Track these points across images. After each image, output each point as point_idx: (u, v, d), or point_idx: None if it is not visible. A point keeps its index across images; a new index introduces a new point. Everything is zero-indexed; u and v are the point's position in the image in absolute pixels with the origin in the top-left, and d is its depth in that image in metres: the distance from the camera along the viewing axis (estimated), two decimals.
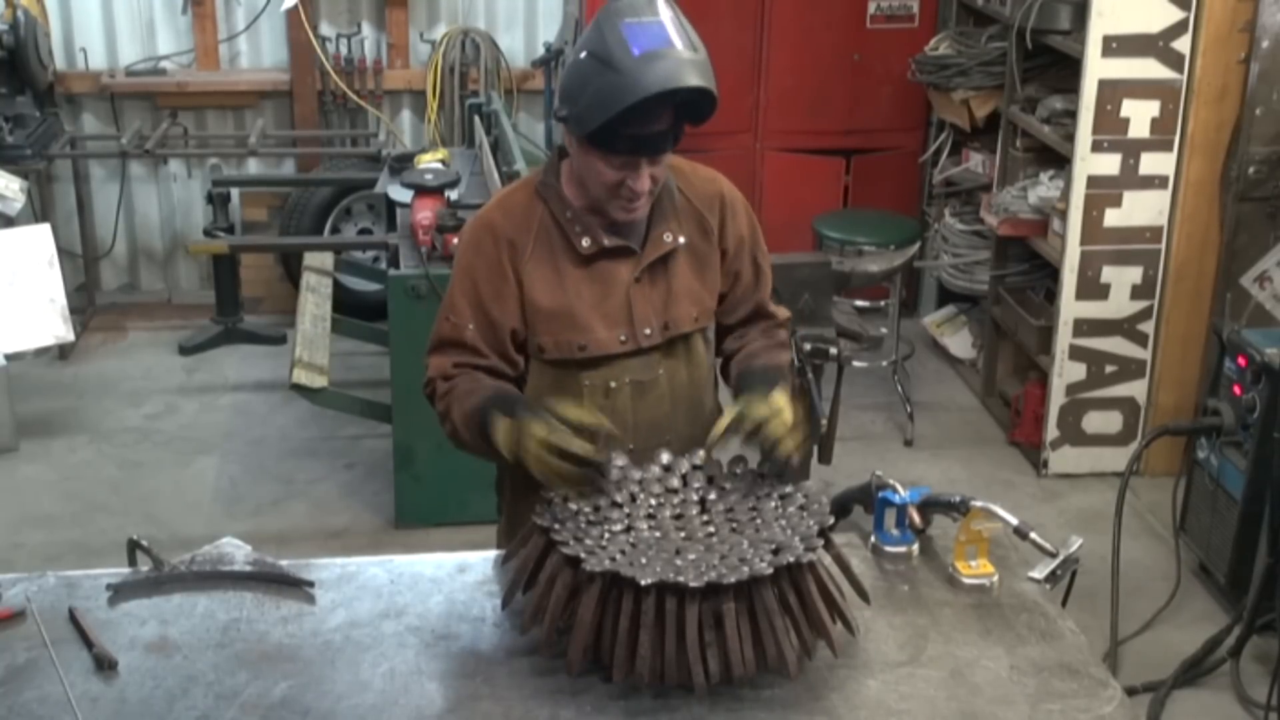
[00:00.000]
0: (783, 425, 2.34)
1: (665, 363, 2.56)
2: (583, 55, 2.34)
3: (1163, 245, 4.90)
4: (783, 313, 2.75)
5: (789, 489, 2.33)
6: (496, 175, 4.99)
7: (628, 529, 2.24)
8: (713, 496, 2.34)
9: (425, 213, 4.59)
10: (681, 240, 2.54)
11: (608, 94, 2.28)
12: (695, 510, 2.31)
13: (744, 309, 2.68)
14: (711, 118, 2.40)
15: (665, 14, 2.34)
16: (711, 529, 2.26)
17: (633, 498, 2.31)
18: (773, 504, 2.31)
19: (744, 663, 2.09)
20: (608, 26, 2.32)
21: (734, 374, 2.62)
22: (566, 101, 2.37)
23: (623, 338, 2.51)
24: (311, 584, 2.42)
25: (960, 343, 6.14)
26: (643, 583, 2.05)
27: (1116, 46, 4.68)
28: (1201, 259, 4.88)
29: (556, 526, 2.19)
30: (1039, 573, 2.47)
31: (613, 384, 2.52)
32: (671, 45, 2.30)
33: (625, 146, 2.35)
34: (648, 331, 2.52)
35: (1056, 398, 5.08)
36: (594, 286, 2.50)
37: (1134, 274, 4.94)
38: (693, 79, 2.30)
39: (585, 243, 2.49)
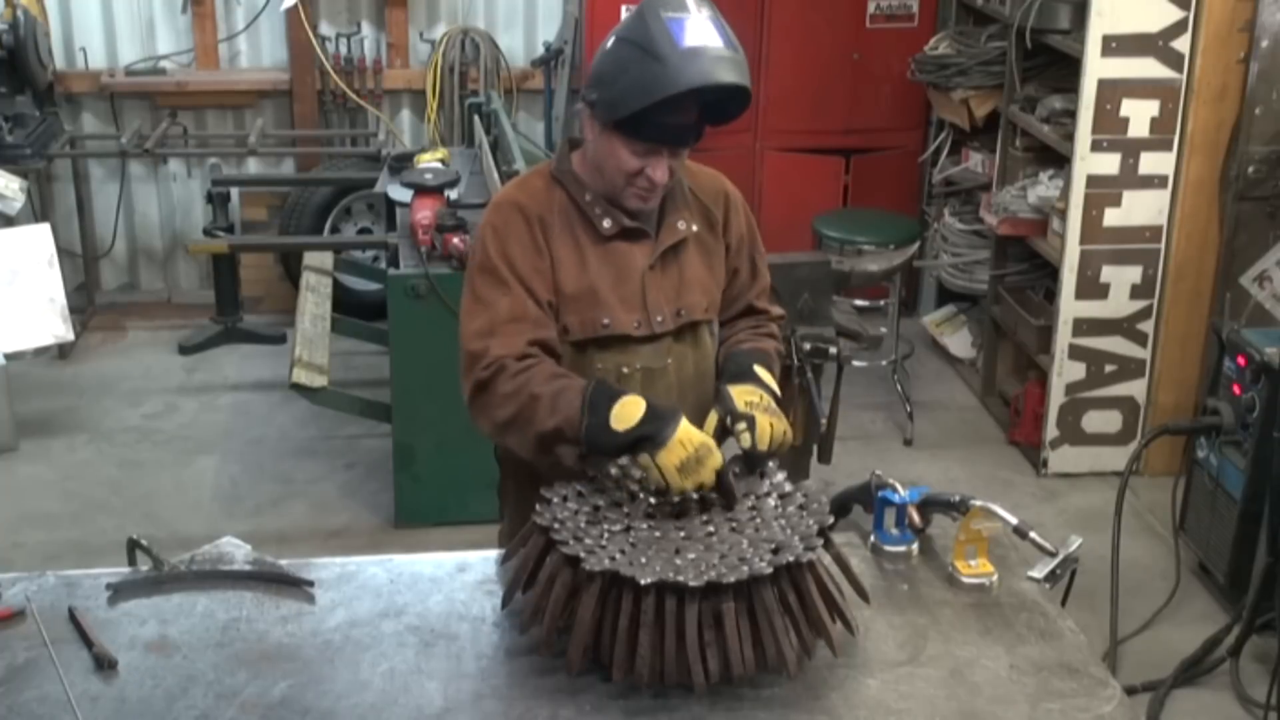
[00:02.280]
0: (764, 419, 2.38)
1: (675, 350, 2.59)
2: (620, 42, 2.39)
3: (1162, 245, 4.90)
4: (775, 310, 2.80)
5: (789, 488, 2.34)
6: (496, 175, 4.99)
7: (627, 528, 2.24)
8: (712, 495, 2.34)
9: (425, 212, 4.59)
10: (694, 228, 2.59)
11: (648, 82, 2.32)
12: (695, 509, 2.31)
13: (737, 306, 2.73)
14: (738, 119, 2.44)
15: (705, 12, 2.40)
16: (711, 528, 2.26)
17: (632, 497, 2.31)
18: (772, 503, 2.31)
19: (743, 662, 2.09)
20: (650, 17, 2.36)
21: (720, 359, 2.67)
22: (599, 86, 2.40)
23: (637, 322, 2.53)
24: (311, 583, 2.42)
25: (960, 342, 6.14)
26: (642, 582, 2.06)
27: (1116, 46, 4.68)
28: (1201, 258, 4.88)
29: (556, 525, 2.19)
30: (1038, 572, 2.48)
31: (624, 369, 2.54)
32: (713, 42, 2.36)
33: (652, 135, 2.39)
34: (660, 318, 2.55)
35: (1056, 397, 5.08)
36: (611, 270, 2.53)
37: (1133, 273, 4.94)
38: (731, 76, 2.36)
39: (607, 224, 2.51)
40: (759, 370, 2.52)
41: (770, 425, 2.38)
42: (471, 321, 2.47)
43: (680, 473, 2.25)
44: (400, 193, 4.94)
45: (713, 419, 2.43)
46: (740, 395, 2.42)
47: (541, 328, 2.46)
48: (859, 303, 5.60)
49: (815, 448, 4.29)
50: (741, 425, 2.37)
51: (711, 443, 2.30)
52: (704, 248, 2.61)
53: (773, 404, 2.44)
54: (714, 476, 2.28)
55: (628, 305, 2.53)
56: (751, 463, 2.38)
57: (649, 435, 2.26)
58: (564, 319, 2.51)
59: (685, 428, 2.28)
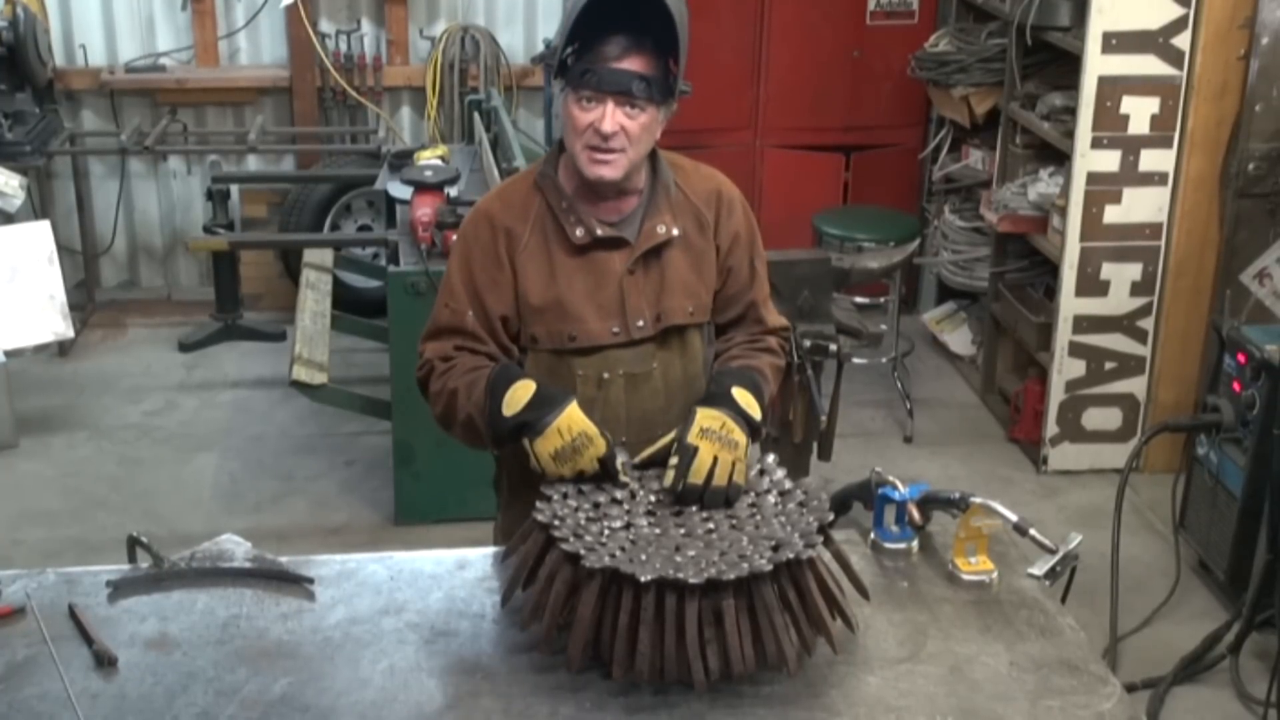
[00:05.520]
0: (709, 450, 2.31)
1: (660, 355, 2.56)
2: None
3: (1162, 242, 4.90)
4: (776, 320, 2.71)
5: (789, 485, 2.34)
6: (496, 172, 4.99)
7: (627, 525, 2.24)
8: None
9: (425, 209, 4.59)
10: (675, 232, 2.54)
11: (568, 14, 2.39)
12: (695, 507, 2.31)
13: (735, 309, 2.66)
14: (682, 54, 2.41)
15: None
16: (711, 525, 2.26)
17: (632, 494, 2.31)
18: (772, 500, 2.31)
19: (744, 659, 2.09)
20: None
21: (711, 375, 2.61)
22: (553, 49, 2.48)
23: (615, 329, 2.52)
24: (311, 580, 2.42)
25: (960, 339, 6.14)
26: (642, 579, 2.06)
27: (1116, 43, 4.68)
28: (1201, 255, 4.88)
29: (556, 523, 2.19)
30: (1038, 569, 2.48)
31: (605, 375, 2.53)
32: None
33: (591, 81, 2.39)
34: (640, 323, 2.53)
35: (1056, 394, 5.08)
36: (587, 277, 2.51)
37: (1134, 270, 4.94)
38: None
39: (579, 233, 2.50)
40: (737, 393, 2.42)
41: (714, 458, 2.30)
42: (433, 313, 2.60)
43: (555, 460, 2.30)
44: (400, 190, 4.94)
45: (668, 438, 2.37)
46: (701, 420, 2.34)
47: (475, 341, 2.52)
48: (859, 300, 5.60)
49: (815, 445, 4.30)
50: (673, 460, 2.31)
51: (593, 431, 2.31)
52: (690, 250, 2.56)
53: (735, 433, 2.33)
54: (595, 464, 2.31)
55: (604, 312, 2.51)
56: (683, 498, 2.30)
57: (529, 422, 2.32)
58: (531, 329, 2.53)
59: (567, 415, 2.31)
